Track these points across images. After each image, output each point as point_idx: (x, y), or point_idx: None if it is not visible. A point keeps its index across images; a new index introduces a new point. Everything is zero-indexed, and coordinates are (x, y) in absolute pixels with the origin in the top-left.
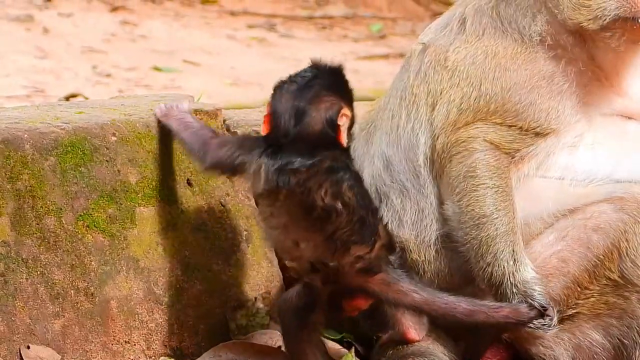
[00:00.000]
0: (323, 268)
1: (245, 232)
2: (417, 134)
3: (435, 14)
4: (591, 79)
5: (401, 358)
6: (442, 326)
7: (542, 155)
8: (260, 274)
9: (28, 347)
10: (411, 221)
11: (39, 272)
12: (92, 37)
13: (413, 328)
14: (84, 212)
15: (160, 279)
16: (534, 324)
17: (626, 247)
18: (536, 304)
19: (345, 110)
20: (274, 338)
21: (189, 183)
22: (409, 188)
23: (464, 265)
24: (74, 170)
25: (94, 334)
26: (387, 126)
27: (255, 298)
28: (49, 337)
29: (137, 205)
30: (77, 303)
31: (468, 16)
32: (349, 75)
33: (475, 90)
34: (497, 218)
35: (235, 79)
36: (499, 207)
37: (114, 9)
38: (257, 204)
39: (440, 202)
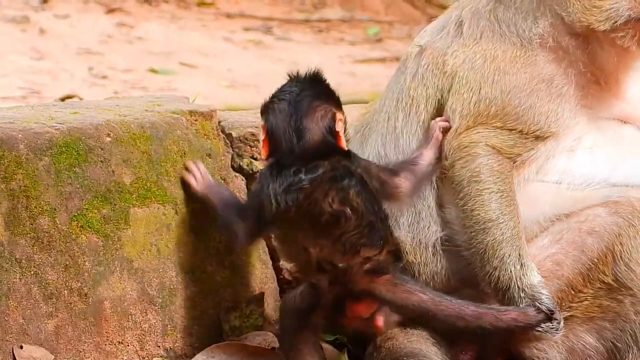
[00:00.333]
0: (331, 269)
1: None
2: (416, 136)
3: (432, 18)
4: (590, 82)
5: (394, 359)
6: (445, 333)
7: (542, 159)
8: (254, 276)
9: (21, 347)
10: (407, 223)
11: (32, 272)
12: (89, 38)
13: (382, 317)
14: (78, 212)
15: (154, 279)
16: (541, 327)
17: (620, 250)
18: (544, 308)
19: (339, 115)
20: (267, 339)
21: (184, 184)
22: None
23: (463, 268)
24: (68, 171)
25: (87, 335)
26: (383, 128)
27: (249, 300)
28: (42, 337)
29: (131, 205)
30: (70, 303)
31: (465, 19)
32: (345, 79)
33: (475, 95)
34: (502, 222)
35: (232, 81)
36: (504, 212)
37: (111, 11)
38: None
39: (440, 205)
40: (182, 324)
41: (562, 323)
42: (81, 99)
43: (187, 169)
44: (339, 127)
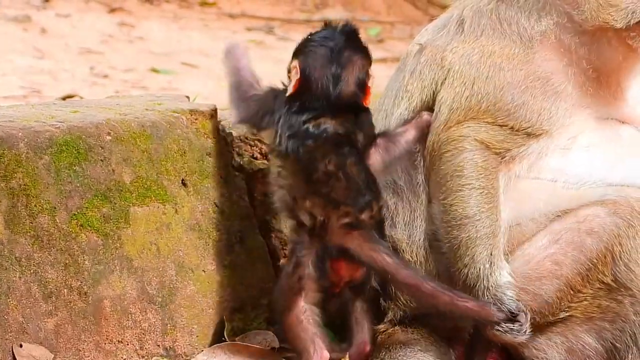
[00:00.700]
0: (311, 222)
1: (239, 233)
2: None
3: (433, 18)
4: (590, 80)
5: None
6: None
7: (534, 156)
8: (255, 275)
9: (20, 346)
10: (403, 222)
11: (32, 271)
12: (90, 38)
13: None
14: (78, 211)
15: (154, 278)
16: (501, 327)
17: (620, 251)
18: (504, 308)
19: (371, 71)
20: (267, 339)
21: (184, 183)
22: (401, 188)
23: (449, 266)
24: (68, 169)
25: (86, 333)
26: (382, 126)
27: (255, 304)
28: (41, 335)
29: (131, 204)
30: (70, 302)
31: (466, 18)
32: None
33: (467, 90)
34: (479, 220)
35: None
36: (482, 209)
37: (112, 10)
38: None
39: (429, 201)
40: (182, 323)
41: (526, 326)
42: (82, 98)
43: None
44: (370, 82)
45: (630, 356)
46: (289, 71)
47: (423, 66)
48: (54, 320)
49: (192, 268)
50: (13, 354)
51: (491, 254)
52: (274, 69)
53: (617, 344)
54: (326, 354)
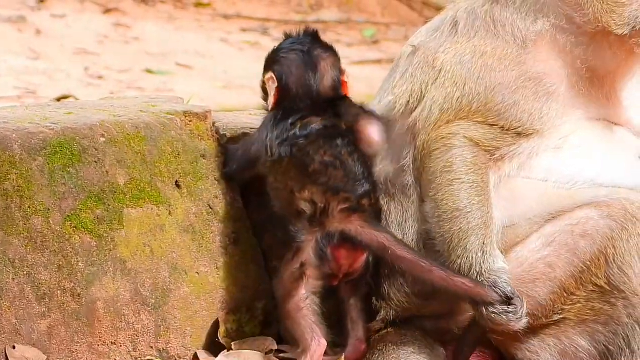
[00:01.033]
0: (311, 209)
1: (233, 235)
2: (400, 135)
3: (428, 20)
4: (584, 80)
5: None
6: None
7: (525, 155)
8: (249, 277)
9: (14, 347)
10: (397, 222)
11: (25, 273)
12: (85, 38)
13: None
14: (72, 212)
15: (148, 280)
16: (496, 308)
17: (613, 253)
18: (499, 291)
19: (342, 66)
20: (266, 344)
21: (178, 185)
22: (392, 189)
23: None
24: (62, 171)
25: (80, 335)
26: None
27: (251, 306)
28: (34, 337)
29: (125, 206)
30: (63, 304)
31: (460, 19)
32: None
33: (458, 90)
34: (470, 212)
35: (228, 82)
36: (472, 202)
37: (107, 11)
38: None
39: (421, 201)
40: (175, 325)
41: (522, 311)
42: (77, 99)
43: None
44: (345, 77)
45: (622, 359)
46: (264, 85)
47: (415, 68)
48: (47, 321)
49: (186, 270)
50: (6, 356)
51: (483, 244)
52: None
53: (610, 347)
54: (324, 342)
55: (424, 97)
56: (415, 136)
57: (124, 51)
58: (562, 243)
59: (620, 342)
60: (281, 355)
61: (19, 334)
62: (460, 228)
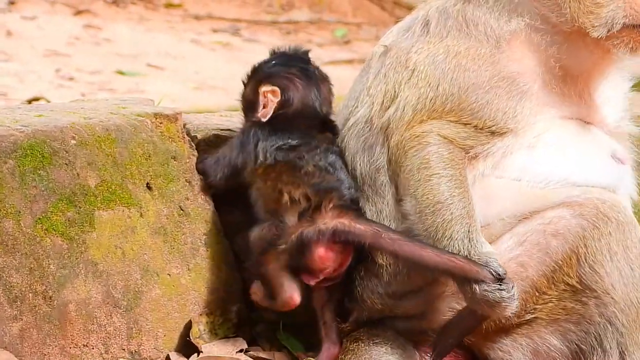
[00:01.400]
0: (305, 203)
1: (204, 236)
2: (374, 135)
3: (400, 20)
4: (557, 78)
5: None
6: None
7: (499, 155)
8: (220, 278)
9: None
10: None
11: None
12: (56, 40)
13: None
14: (43, 215)
15: (119, 282)
16: (490, 286)
17: (585, 252)
18: (491, 270)
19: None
20: (237, 344)
21: (149, 187)
22: (366, 190)
23: None
24: (33, 174)
25: (52, 338)
26: (343, 128)
27: (225, 309)
28: (6, 340)
29: (96, 208)
30: (35, 306)
31: (432, 18)
32: None
33: (432, 91)
34: (452, 203)
35: (200, 83)
36: (453, 194)
37: (78, 13)
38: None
39: (398, 200)
40: (147, 327)
41: (514, 290)
42: (48, 101)
43: None
44: (332, 99)
45: (595, 357)
46: (253, 96)
47: (388, 69)
48: (19, 324)
49: (158, 272)
50: None
51: (469, 231)
52: (240, 70)
53: (582, 346)
54: (298, 295)
55: (397, 96)
56: (388, 136)
57: (95, 53)
58: (534, 242)
59: (592, 340)
60: (251, 353)
61: None
62: (443, 219)
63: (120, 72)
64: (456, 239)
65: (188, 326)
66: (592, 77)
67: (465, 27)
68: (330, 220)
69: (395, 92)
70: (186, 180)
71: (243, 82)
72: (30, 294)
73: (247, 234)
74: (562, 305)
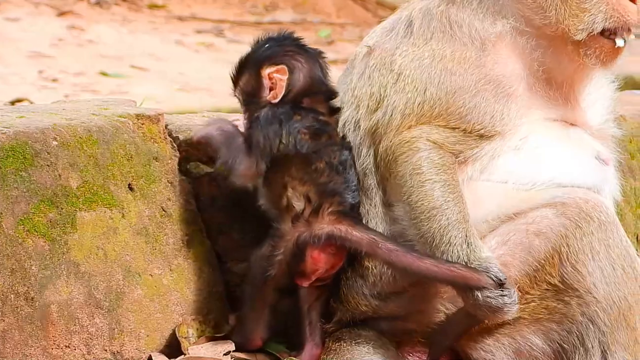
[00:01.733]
0: (304, 205)
1: (186, 237)
2: (360, 137)
3: (383, 20)
4: (541, 81)
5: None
6: (392, 332)
7: (487, 158)
8: (202, 279)
9: None
10: None
11: None
12: (40, 41)
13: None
14: (25, 216)
15: (101, 283)
16: (492, 292)
17: (567, 252)
18: (492, 276)
19: None
20: (224, 346)
21: (131, 188)
22: None
23: None
24: (15, 175)
25: (34, 339)
26: None
27: (210, 310)
28: None
29: (78, 209)
30: (17, 307)
31: (415, 19)
32: None
33: (419, 96)
34: (447, 209)
35: (184, 84)
36: (447, 199)
37: (62, 14)
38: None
39: (388, 204)
40: (129, 328)
41: (515, 295)
42: (31, 102)
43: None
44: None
45: (577, 357)
46: (260, 80)
47: (372, 70)
48: (0, 326)
49: (140, 272)
50: None
51: (466, 236)
52: (224, 71)
53: (564, 345)
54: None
55: (383, 100)
56: (375, 141)
57: (78, 54)
58: (516, 242)
59: (574, 340)
60: (233, 354)
61: None
62: (440, 225)
63: (104, 74)
64: (455, 244)
65: (170, 327)
66: (575, 81)
67: (450, 29)
68: (327, 226)
69: (381, 95)
70: (168, 181)
71: (233, 76)
72: (12, 295)
73: (248, 257)
74: (545, 305)
